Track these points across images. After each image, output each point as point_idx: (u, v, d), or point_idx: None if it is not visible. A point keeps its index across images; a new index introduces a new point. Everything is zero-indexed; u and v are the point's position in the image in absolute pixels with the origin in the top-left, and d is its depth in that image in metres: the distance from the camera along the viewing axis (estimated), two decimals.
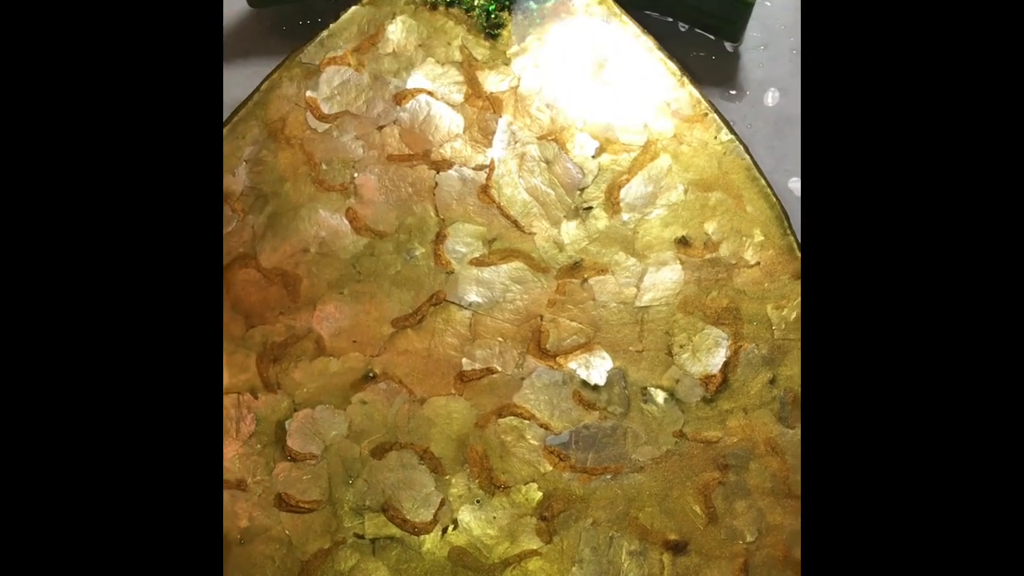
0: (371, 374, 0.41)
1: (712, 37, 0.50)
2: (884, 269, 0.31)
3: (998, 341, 0.30)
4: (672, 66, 0.44)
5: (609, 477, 0.40)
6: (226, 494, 0.40)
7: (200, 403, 0.30)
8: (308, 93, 0.44)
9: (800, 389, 0.40)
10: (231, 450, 0.40)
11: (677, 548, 0.40)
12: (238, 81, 0.49)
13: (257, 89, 0.44)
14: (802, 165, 0.44)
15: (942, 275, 0.30)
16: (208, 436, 0.30)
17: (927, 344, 0.30)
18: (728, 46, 0.51)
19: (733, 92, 0.51)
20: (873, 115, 0.32)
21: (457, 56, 0.44)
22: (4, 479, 0.28)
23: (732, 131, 0.43)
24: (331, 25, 0.45)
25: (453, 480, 0.40)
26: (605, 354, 0.41)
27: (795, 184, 0.49)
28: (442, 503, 0.40)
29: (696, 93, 0.44)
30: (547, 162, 0.43)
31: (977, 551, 0.29)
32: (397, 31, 0.45)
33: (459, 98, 0.44)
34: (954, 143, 0.31)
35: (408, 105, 0.44)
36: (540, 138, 0.43)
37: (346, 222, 0.43)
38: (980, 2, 0.31)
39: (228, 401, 0.41)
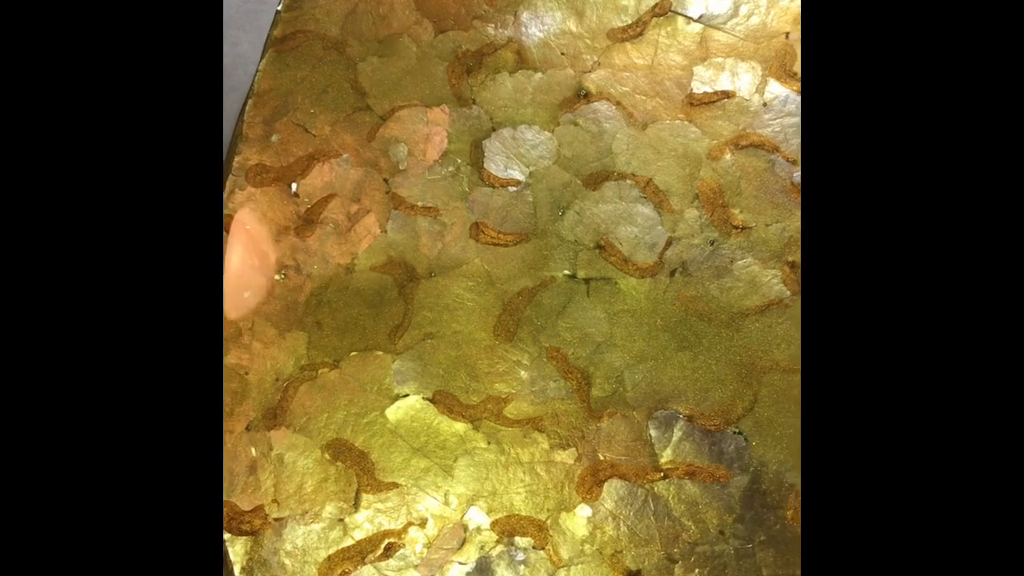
0: (583, 92, 0.35)
1: None
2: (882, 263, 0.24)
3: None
4: None
5: None
6: (412, 221, 0.34)
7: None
8: None
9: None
10: (417, 171, 0.34)
11: None
12: None
13: None
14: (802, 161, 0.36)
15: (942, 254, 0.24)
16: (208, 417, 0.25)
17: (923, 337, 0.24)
18: None
19: None
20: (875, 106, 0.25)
21: None
22: None
23: None
24: None
25: (681, 218, 0.34)
26: None
27: None
28: (668, 243, 0.33)
29: None
30: None
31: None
32: None
33: None
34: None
35: None
36: None
37: None
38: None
39: (413, 114, 0.34)
